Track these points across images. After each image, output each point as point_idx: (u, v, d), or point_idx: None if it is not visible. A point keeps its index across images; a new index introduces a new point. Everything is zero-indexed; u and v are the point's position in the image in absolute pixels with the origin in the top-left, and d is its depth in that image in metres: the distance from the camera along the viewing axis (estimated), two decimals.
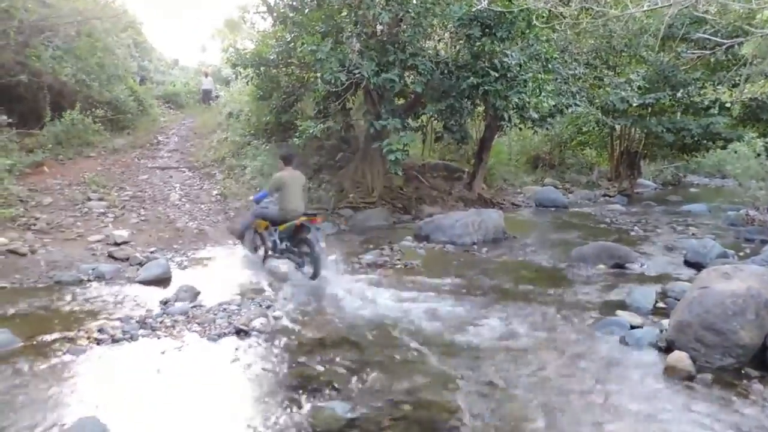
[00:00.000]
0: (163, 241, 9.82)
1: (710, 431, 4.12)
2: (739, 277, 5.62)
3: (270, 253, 8.63)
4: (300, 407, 4.37)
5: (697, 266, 8.75)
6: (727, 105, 19.23)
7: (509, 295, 7.49)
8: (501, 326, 6.28)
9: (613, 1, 13.74)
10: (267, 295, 7.22)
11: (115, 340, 5.56)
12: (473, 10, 10.75)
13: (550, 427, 4.16)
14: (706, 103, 19.46)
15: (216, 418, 4.23)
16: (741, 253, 9.83)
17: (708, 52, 10.70)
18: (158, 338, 5.71)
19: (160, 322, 6.08)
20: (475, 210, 12.42)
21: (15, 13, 12.12)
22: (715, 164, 25.32)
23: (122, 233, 9.50)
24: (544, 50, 12.26)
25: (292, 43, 12.88)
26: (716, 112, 19.11)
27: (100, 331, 5.72)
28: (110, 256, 8.68)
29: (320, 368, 5.11)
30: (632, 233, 12.25)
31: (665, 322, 6.12)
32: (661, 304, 6.97)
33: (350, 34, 11.55)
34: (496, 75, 11.27)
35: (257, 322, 5.99)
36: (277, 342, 5.70)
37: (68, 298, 6.86)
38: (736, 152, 14.77)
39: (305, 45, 10.90)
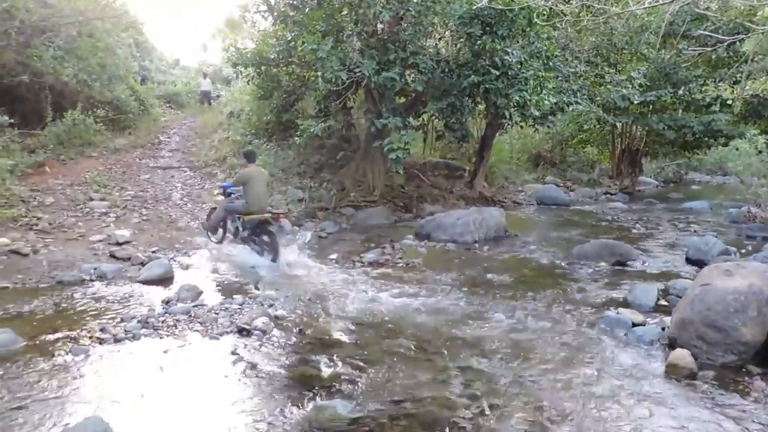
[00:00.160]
0: (165, 241, 9.82)
1: (712, 429, 4.12)
2: (741, 274, 5.62)
3: (231, 237, 9.38)
4: (302, 406, 4.38)
5: (698, 263, 8.76)
6: (729, 102, 19.26)
7: (510, 293, 7.49)
8: (502, 324, 6.28)
9: None
10: (269, 294, 7.22)
11: (117, 340, 5.56)
12: (474, 8, 10.74)
13: (552, 424, 4.16)
14: (708, 100, 19.47)
15: (218, 417, 4.23)
16: (743, 251, 9.83)
17: (709, 49, 10.70)
18: (160, 338, 5.72)
19: (162, 322, 6.09)
20: (476, 208, 12.43)
21: (16, 14, 12.13)
22: (717, 161, 25.33)
23: (124, 233, 9.51)
24: (545, 48, 12.25)
25: (293, 42, 12.88)
26: (717, 109, 19.12)
27: (103, 330, 5.73)
28: (112, 255, 8.69)
29: (322, 367, 5.12)
30: (634, 231, 12.25)
31: (667, 319, 6.13)
32: (662, 302, 6.97)
33: (351, 32, 11.55)
34: (497, 73, 11.26)
35: (259, 321, 5.99)
36: (278, 341, 5.71)
37: (70, 297, 6.87)
38: (737, 149, 14.79)
39: (306, 44, 10.90)
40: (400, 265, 9.01)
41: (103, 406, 4.28)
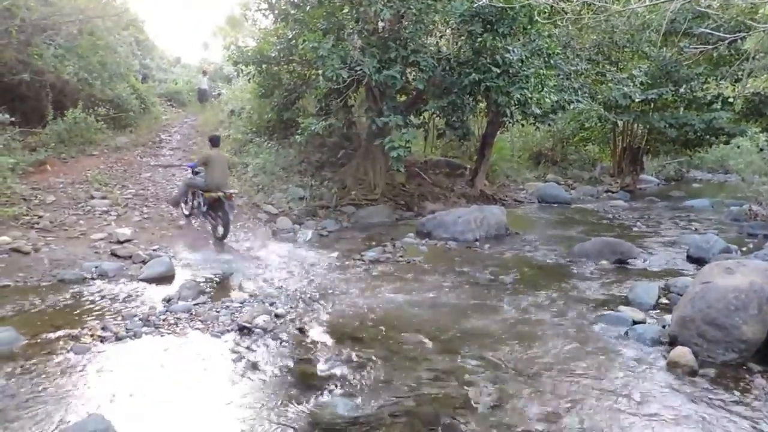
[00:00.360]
0: (166, 239, 9.83)
1: (712, 426, 4.12)
2: (742, 272, 5.62)
3: (195, 211, 10.44)
4: (303, 404, 4.38)
5: (699, 261, 8.76)
6: (730, 100, 19.24)
7: (511, 291, 7.50)
8: (503, 322, 6.29)
9: None
10: (270, 292, 7.22)
11: (118, 338, 5.57)
12: (475, 6, 10.73)
13: (553, 422, 4.16)
14: (709, 98, 19.46)
15: (219, 415, 4.24)
16: (744, 248, 9.83)
17: (710, 47, 10.63)
18: (161, 336, 5.73)
19: (164, 320, 6.10)
20: (477, 206, 12.43)
21: (17, 12, 12.12)
22: (718, 159, 25.30)
23: (125, 231, 9.51)
24: (546, 46, 12.24)
25: (294, 41, 12.88)
26: (719, 107, 19.11)
27: (104, 328, 5.74)
28: (113, 254, 8.69)
29: (323, 365, 5.13)
30: (635, 229, 12.26)
31: (668, 317, 6.13)
32: (663, 300, 6.98)
33: (352, 31, 11.55)
34: (498, 71, 11.26)
35: (260, 320, 6.00)
36: (279, 339, 5.71)
37: (72, 296, 6.87)
38: (738, 147, 14.76)
39: (307, 42, 10.90)
40: (401, 263, 9.01)
41: (104, 404, 4.29)
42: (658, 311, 6.60)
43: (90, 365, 4.99)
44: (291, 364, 5.15)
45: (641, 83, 16.72)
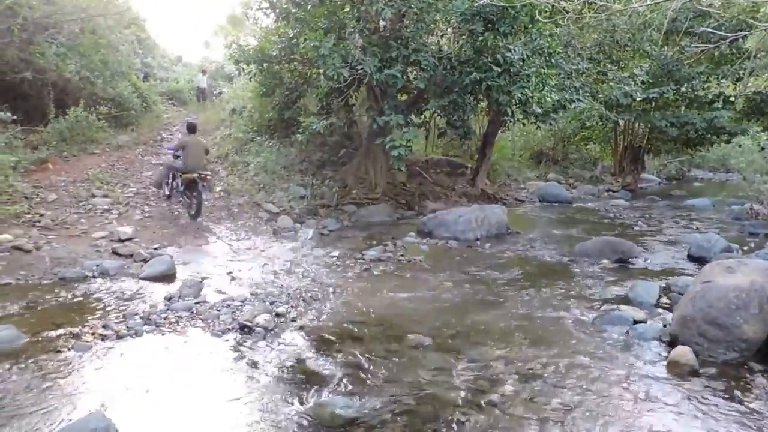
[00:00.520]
0: (167, 238, 9.84)
1: (713, 426, 4.12)
2: (743, 272, 5.61)
3: (174, 192, 11.26)
4: (303, 403, 4.39)
5: (700, 260, 8.76)
6: (731, 99, 19.23)
7: (512, 291, 7.49)
8: (504, 322, 6.29)
9: None
10: (270, 291, 7.23)
11: (119, 336, 5.58)
12: (476, 5, 10.73)
13: (553, 421, 4.17)
14: (710, 97, 19.46)
15: (219, 414, 4.25)
16: (745, 248, 9.82)
17: (712, 45, 10.65)
18: (162, 334, 5.74)
19: (164, 318, 6.11)
20: (478, 205, 12.42)
21: (19, 10, 12.14)
22: (719, 158, 25.23)
23: (126, 230, 9.52)
24: (547, 45, 12.24)
25: (295, 39, 12.88)
26: (720, 106, 19.12)
27: (105, 327, 5.75)
28: (114, 252, 8.71)
29: (323, 364, 5.13)
30: (636, 228, 12.25)
31: (668, 316, 6.14)
32: (664, 299, 6.98)
33: (353, 30, 11.55)
34: (499, 70, 11.26)
35: (261, 318, 6.00)
36: (280, 338, 5.72)
37: (73, 294, 6.88)
38: (740, 146, 14.73)
39: (308, 41, 10.90)
40: (402, 262, 9.01)
41: (105, 402, 4.30)
42: (659, 310, 6.60)
43: (91, 363, 4.99)
44: (291, 363, 5.16)
45: (642, 82, 16.70)
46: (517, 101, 11.94)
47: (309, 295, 7.11)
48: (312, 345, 5.57)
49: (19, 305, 6.38)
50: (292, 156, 14.46)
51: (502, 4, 10.41)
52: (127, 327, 5.80)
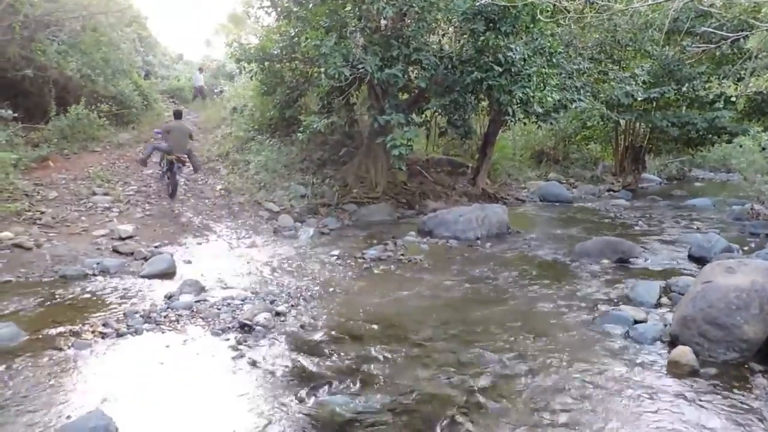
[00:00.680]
0: (168, 236, 9.85)
1: (713, 426, 4.12)
2: (744, 272, 5.61)
3: (163, 170, 12.18)
4: (303, 402, 4.39)
5: (701, 261, 8.75)
6: (733, 99, 19.22)
7: (512, 291, 7.50)
8: (504, 321, 6.28)
9: None
10: (271, 290, 7.23)
11: (119, 334, 5.58)
12: (477, 4, 10.73)
13: (553, 420, 4.17)
14: (711, 97, 19.44)
15: (219, 412, 4.25)
16: (746, 248, 9.81)
17: (713, 45, 10.66)
18: (162, 332, 5.74)
19: (165, 317, 6.11)
20: (478, 205, 12.41)
21: (20, 8, 12.13)
22: (720, 158, 25.23)
23: (127, 228, 9.53)
24: (549, 44, 12.23)
25: (296, 38, 12.88)
26: (721, 106, 19.09)
27: (105, 325, 5.76)
28: (115, 250, 8.71)
29: (323, 363, 5.13)
30: (636, 228, 12.24)
31: (669, 316, 6.13)
32: (664, 299, 6.97)
33: (354, 28, 11.54)
34: (500, 69, 11.25)
35: (261, 317, 6.00)
36: (280, 337, 5.72)
37: (73, 292, 6.89)
38: (741, 146, 14.72)
39: (309, 40, 10.91)
40: (403, 261, 9.01)
41: (105, 400, 4.30)
42: (660, 310, 6.59)
43: (91, 361, 5.00)
44: (291, 362, 5.16)
45: (643, 82, 16.69)
46: (518, 101, 11.94)
47: (309, 294, 7.11)
48: (312, 344, 5.57)
49: (20, 303, 6.38)
50: (292, 155, 14.46)
51: (503, 3, 10.41)
52: (128, 325, 5.80)
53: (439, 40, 13.49)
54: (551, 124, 16.79)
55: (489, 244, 10.45)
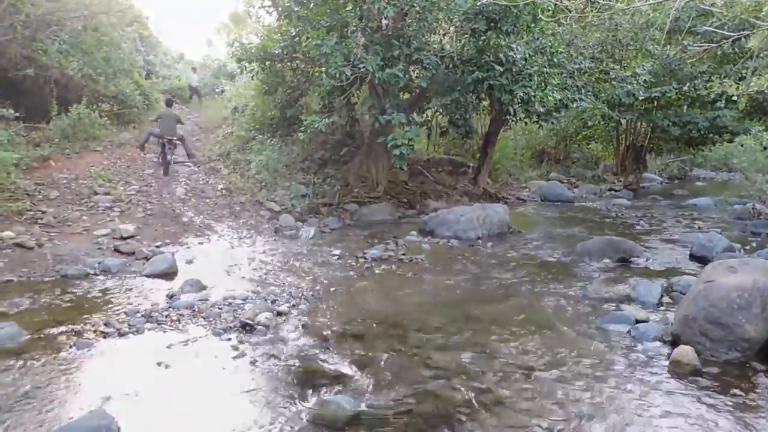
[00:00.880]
0: (169, 236, 9.85)
1: (715, 425, 4.12)
2: (745, 271, 5.60)
3: (158, 153, 13.68)
4: (305, 401, 4.39)
5: (702, 260, 8.73)
6: (734, 98, 19.19)
7: (514, 290, 7.49)
8: (505, 321, 6.28)
9: None
10: (272, 289, 7.23)
11: (121, 334, 5.59)
12: (478, 4, 10.74)
13: (555, 420, 4.16)
14: (713, 96, 19.42)
15: (221, 412, 4.25)
16: (747, 247, 9.80)
17: (714, 45, 10.64)
18: (164, 332, 5.74)
19: (166, 316, 6.11)
20: (479, 204, 12.40)
21: (22, 7, 12.15)
22: (722, 158, 25.15)
23: (128, 227, 9.54)
24: (550, 44, 12.22)
25: (297, 38, 12.88)
26: (723, 105, 19.08)
27: (107, 324, 5.76)
28: (116, 250, 8.72)
29: (325, 362, 5.13)
30: (638, 227, 12.23)
31: (670, 316, 6.12)
32: (666, 298, 6.96)
33: (355, 28, 11.54)
34: (501, 69, 11.25)
35: (262, 317, 6.01)
36: (282, 336, 5.72)
37: (75, 291, 6.89)
38: (742, 145, 14.70)
39: (310, 39, 10.91)
40: (404, 261, 9.01)
41: (107, 399, 4.30)
42: (661, 310, 6.58)
43: (92, 361, 5.00)
44: (293, 361, 5.16)
45: (645, 81, 16.68)
46: (520, 100, 11.93)
47: (310, 293, 7.11)
48: (313, 343, 5.57)
49: (21, 303, 6.39)
50: (293, 154, 14.46)
51: (504, 3, 10.40)
52: (129, 325, 5.81)
53: (440, 39, 13.48)
54: (552, 123, 16.79)
55: (490, 243, 10.45)
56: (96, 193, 11.00)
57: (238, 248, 9.64)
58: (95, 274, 7.64)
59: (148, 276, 7.69)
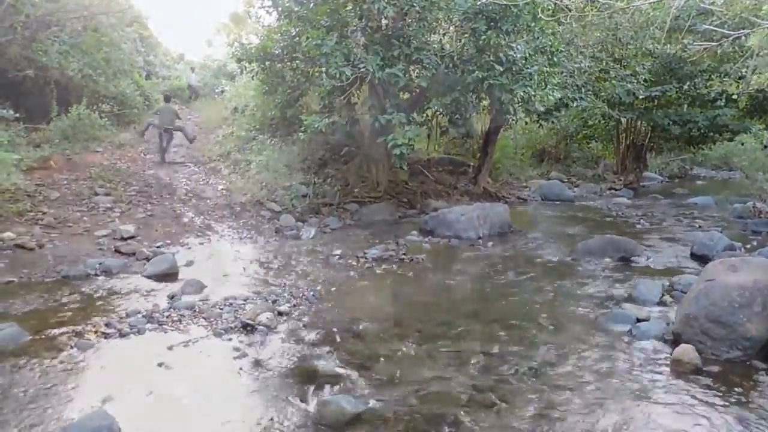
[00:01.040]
0: (170, 236, 9.85)
1: (716, 424, 4.12)
2: (746, 270, 5.60)
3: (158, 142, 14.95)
4: (306, 401, 4.39)
5: (703, 259, 8.73)
6: (734, 97, 19.18)
7: (514, 289, 7.50)
8: (506, 320, 6.28)
9: None
10: (273, 289, 7.23)
11: (122, 335, 5.59)
12: (478, 3, 10.71)
13: (556, 419, 4.16)
14: (713, 95, 19.40)
15: (222, 412, 4.25)
16: (748, 246, 9.80)
17: (714, 43, 10.63)
18: (165, 332, 5.74)
19: (167, 317, 6.11)
20: (480, 204, 12.39)
21: (22, 8, 12.16)
22: (722, 156, 25.19)
23: (129, 228, 9.54)
24: (550, 43, 12.21)
25: (297, 38, 12.87)
26: (723, 104, 19.06)
27: (108, 325, 5.76)
28: (117, 250, 8.72)
29: (326, 362, 5.13)
30: (638, 226, 12.22)
31: (672, 314, 6.12)
32: (667, 297, 6.95)
33: (355, 28, 11.53)
34: (502, 69, 11.23)
35: (263, 317, 6.01)
36: (283, 336, 5.72)
37: (75, 292, 6.89)
38: (742, 144, 14.73)
39: (310, 39, 10.89)
40: (404, 261, 9.00)
41: (108, 400, 4.31)
42: (662, 309, 6.58)
43: (93, 361, 5.01)
44: (294, 361, 5.16)
45: (645, 80, 16.67)
46: (520, 100, 11.92)
47: (311, 293, 7.11)
48: (314, 343, 5.57)
49: (22, 304, 6.39)
50: (294, 154, 14.44)
51: (504, 2, 10.38)
52: (130, 325, 5.81)
53: (440, 39, 13.46)
54: (552, 122, 16.81)
55: (491, 243, 10.45)
56: (96, 194, 10.99)
57: (238, 248, 9.63)
58: (96, 275, 7.65)
59: (149, 276, 7.69)
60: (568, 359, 5.20)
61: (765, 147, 13.64)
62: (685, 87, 18.35)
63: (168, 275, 7.78)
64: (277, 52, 13.95)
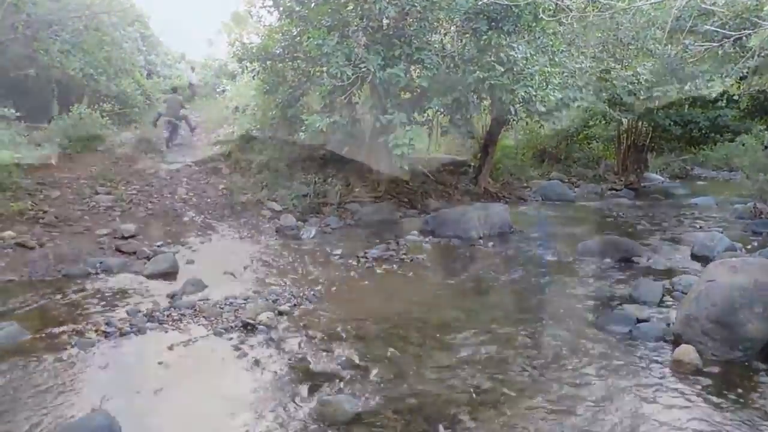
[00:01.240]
0: (171, 235, 9.85)
1: (717, 424, 4.12)
2: (747, 271, 5.60)
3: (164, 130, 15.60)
4: (306, 401, 4.39)
5: (704, 259, 8.73)
6: (735, 98, 19.15)
7: (515, 289, 7.50)
8: (506, 320, 6.28)
9: None
10: (273, 289, 7.23)
11: (122, 334, 5.59)
12: (479, 3, 10.70)
13: (556, 419, 4.16)
14: (714, 95, 19.37)
15: (222, 412, 4.25)
16: (748, 246, 9.79)
17: (716, 44, 10.62)
18: (165, 331, 5.75)
19: (168, 316, 6.12)
20: (481, 204, 12.41)
21: (23, 7, 12.15)
22: (723, 157, 25.08)
23: (129, 227, 9.53)
24: (551, 43, 12.20)
25: (298, 37, 12.86)
26: (724, 104, 19.03)
27: (108, 324, 5.76)
28: (118, 249, 8.72)
29: (326, 362, 5.13)
30: (639, 227, 12.22)
31: (672, 315, 6.12)
32: (668, 298, 6.96)
33: (356, 28, 11.52)
34: (503, 69, 11.22)
35: (264, 316, 6.01)
36: (283, 336, 5.72)
37: (76, 291, 6.90)
38: (743, 145, 14.68)
39: (311, 39, 10.89)
40: (405, 261, 9.00)
41: (108, 399, 4.31)
42: (663, 309, 6.58)
43: (94, 360, 5.01)
44: (294, 360, 5.16)
45: (646, 81, 16.64)
46: (521, 100, 11.90)
47: (312, 293, 7.11)
48: (315, 343, 5.57)
49: (23, 302, 6.40)
50: (294, 154, 14.45)
51: (505, 2, 10.37)
52: (131, 324, 5.81)
53: (441, 39, 13.44)
54: (553, 123, 16.77)
55: (491, 243, 10.44)
56: (97, 193, 10.99)
57: (239, 248, 9.63)
58: (96, 274, 7.65)
59: (150, 276, 7.69)
60: (568, 360, 5.20)
61: (766, 147, 13.60)
62: (686, 87, 18.31)
63: (168, 274, 7.79)
64: (278, 51, 13.94)
